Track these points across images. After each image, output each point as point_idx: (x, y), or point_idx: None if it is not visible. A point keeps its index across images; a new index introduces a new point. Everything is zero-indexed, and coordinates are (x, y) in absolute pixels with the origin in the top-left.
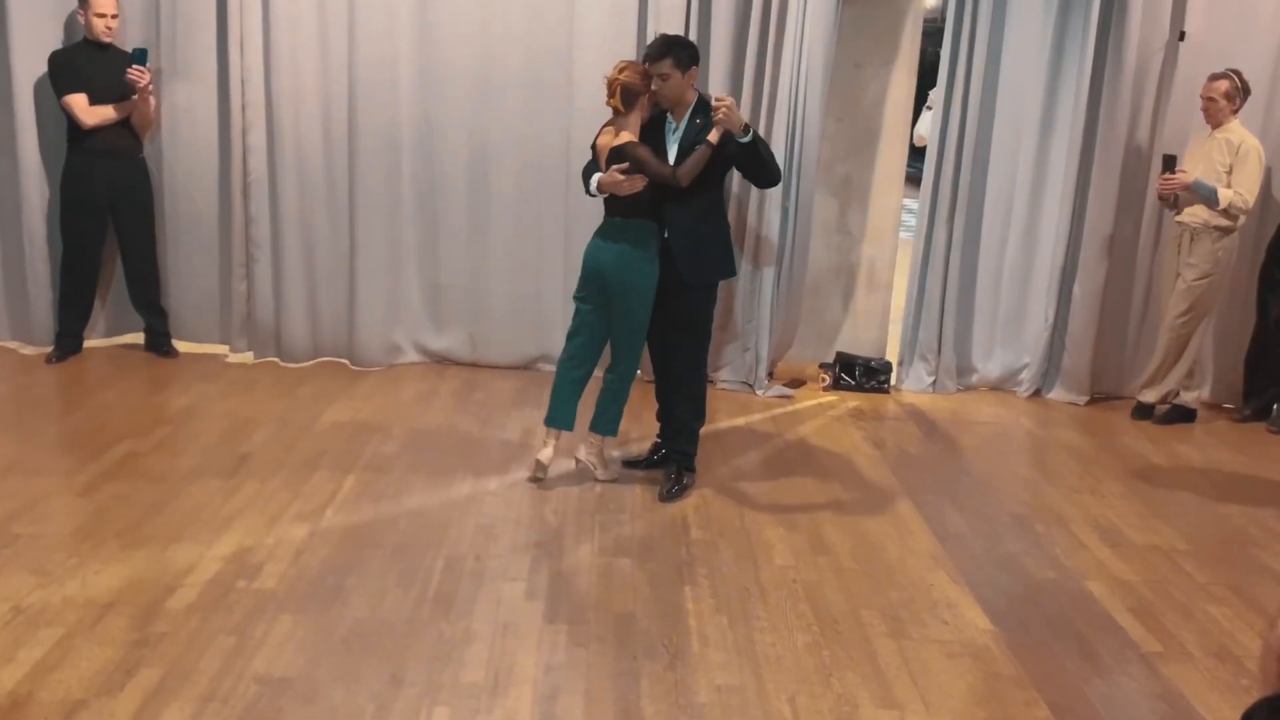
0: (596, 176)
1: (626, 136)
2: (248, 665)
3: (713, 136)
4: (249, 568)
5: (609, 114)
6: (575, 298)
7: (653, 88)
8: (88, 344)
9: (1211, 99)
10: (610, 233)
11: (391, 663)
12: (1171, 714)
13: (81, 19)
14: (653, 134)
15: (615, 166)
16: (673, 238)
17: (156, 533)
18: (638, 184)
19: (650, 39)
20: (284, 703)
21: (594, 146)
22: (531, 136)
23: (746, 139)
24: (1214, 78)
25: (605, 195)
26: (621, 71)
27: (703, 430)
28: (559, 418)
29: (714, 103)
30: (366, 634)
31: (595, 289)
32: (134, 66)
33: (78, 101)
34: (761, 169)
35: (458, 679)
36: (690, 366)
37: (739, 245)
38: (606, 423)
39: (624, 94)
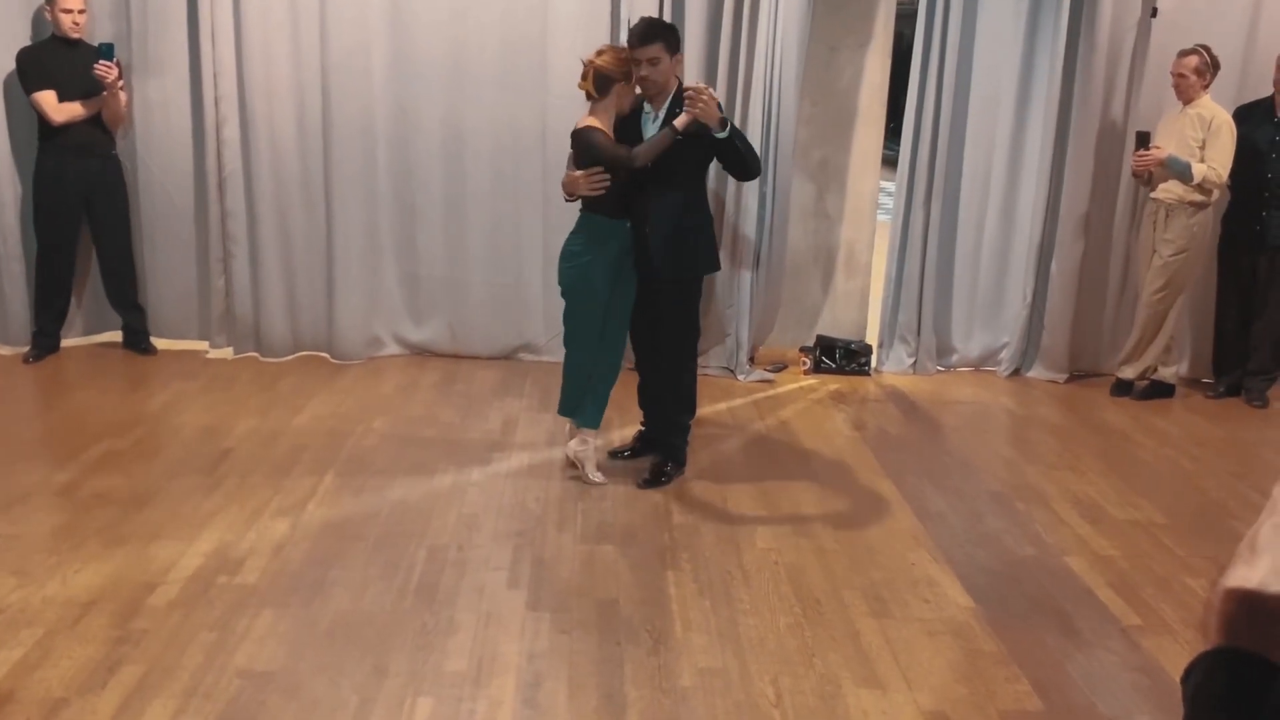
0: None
1: (589, 121)
2: (230, 660)
3: (679, 122)
4: (230, 563)
5: (585, 101)
6: None
7: (643, 74)
8: (65, 343)
9: (1182, 75)
10: None
11: (374, 654)
12: (1151, 686)
13: (48, 15)
14: (631, 125)
15: (578, 174)
16: (652, 230)
17: (137, 530)
18: (596, 185)
19: (623, 24)
20: (267, 696)
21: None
22: (507, 124)
23: (724, 134)
24: (1183, 54)
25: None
26: (600, 55)
27: None
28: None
29: (689, 92)
30: (349, 626)
31: None
32: (100, 62)
33: (46, 99)
34: (740, 163)
35: (441, 668)
36: (675, 362)
37: (716, 231)
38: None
39: (597, 78)
